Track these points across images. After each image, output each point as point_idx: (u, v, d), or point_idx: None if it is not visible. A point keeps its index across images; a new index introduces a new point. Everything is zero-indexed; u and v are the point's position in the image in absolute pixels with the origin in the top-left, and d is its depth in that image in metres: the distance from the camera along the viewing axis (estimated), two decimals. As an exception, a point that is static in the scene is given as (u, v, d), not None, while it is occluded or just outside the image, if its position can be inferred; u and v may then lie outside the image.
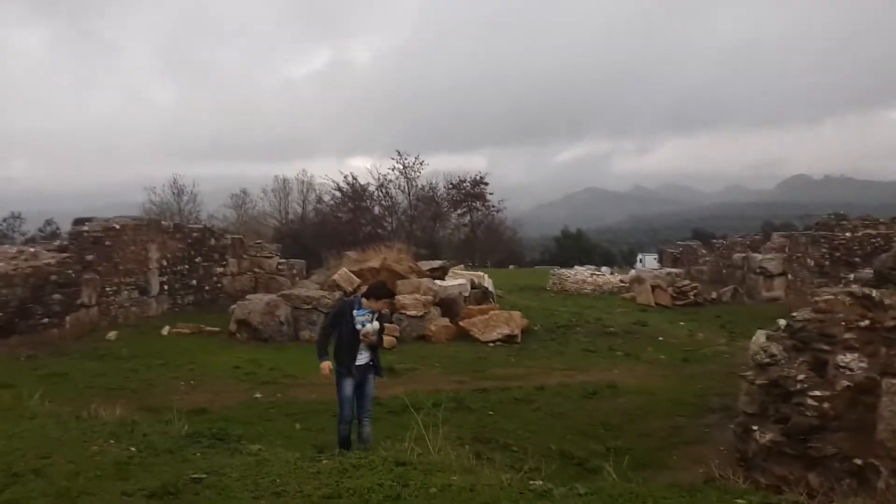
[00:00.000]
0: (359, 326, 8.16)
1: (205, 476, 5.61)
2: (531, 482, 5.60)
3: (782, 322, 9.27)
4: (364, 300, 8.61)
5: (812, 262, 23.67)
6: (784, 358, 8.72)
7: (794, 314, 9.16)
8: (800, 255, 24.84)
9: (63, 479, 5.55)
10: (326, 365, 8.48)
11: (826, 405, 8.02)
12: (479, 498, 5.11)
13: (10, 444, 6.52)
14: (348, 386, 8.27)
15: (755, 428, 8.63)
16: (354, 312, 8.36)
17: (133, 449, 6.43)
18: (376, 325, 8.26)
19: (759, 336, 9.70)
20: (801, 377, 8.33)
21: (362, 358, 8.26)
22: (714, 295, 28.00)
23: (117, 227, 20.54)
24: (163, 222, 24.62)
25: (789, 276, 25.86)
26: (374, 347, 8.36)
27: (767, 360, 8.80)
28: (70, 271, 18.53)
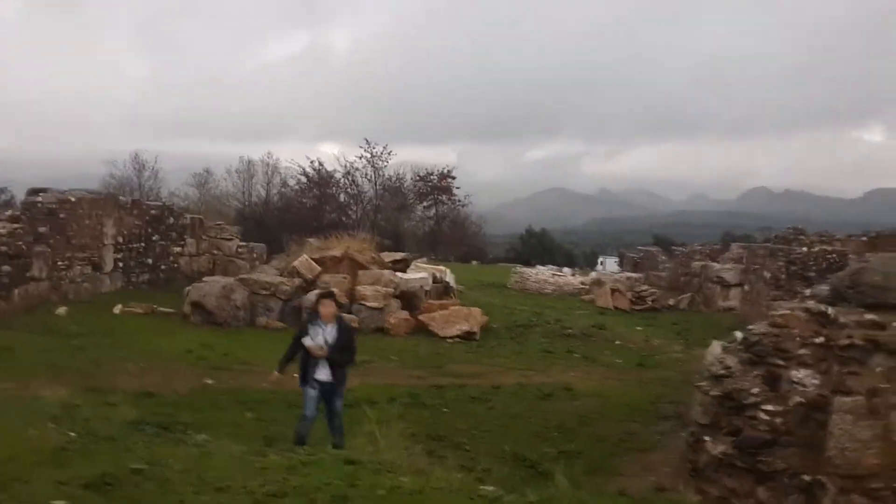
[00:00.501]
0: (307, 341, 7.96)
1: (146, 467, 5.42)
2: (482, 487, 5.52)
3: (739, 334, 9.33)
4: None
5: (768, 275, 24.03)
6: (739, 370, 8.76)
7: (751, 327, 9.22)
8: (757, 266, 25.20)
9: (-4, 464, 5.31)
10: (274, 376, 8.59)
11: (778, 420, 8.08)
12: (429, 502, 5.01)
13: (-59, 423, 6.25)
14: (309, 390, 8.14)
15: (707, 439, 8.66)
16: (308, 326, 8.13)
17: (73, 434, 6.21)
18: (320, 340, 7.88)
19: (716, 347, 9.78)
20: (754, 390, 8.38)
21: (322, 373, 8.00)
22: (672, 301, 28.31)
23: (73, 199, 19.95)
24: (121, 198, 24.04)
25: (746, 286, 26.23)
26: (332, 364, 7.97)
27: (722, 371, 8.84)
28: (21, 243, 17.93)
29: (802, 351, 8.32)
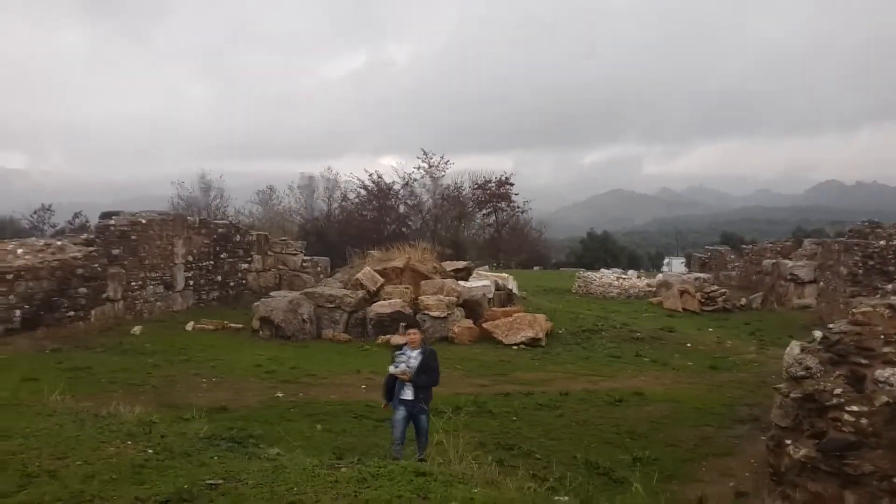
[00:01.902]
0: (391, 368, 8.83)
1: (221, 482, 5.48)
2: (556, 497, 5.40)
3: (818, 334, 8.95)
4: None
5: (845, 271, 23.11)
6: (820, 371, 8.40)
7: (831, 326, 8.84)
8: (832, 262, 24.27)
9: (77, 481, 5.45)
10: (385, 405, 9.29)
11: (864, 421, 7.70)
12: (502, 513, 4.91)
13: (26, 442, 6.45)
14: (397, 413, 8.81)
15: (788, 442, 8.32)
16: (396, 354, 9.05)
17: (150, 451, 6.33)
18: (402, 366, 8.71)
19: (794, 347, 9.39)
20: (837, 391, 8.01)
21: (407, 394, 8.73)
22: (743, 301, 27.49)
23: (143, 221, 20.61)
24: (188, 217, 24.70)
25: (821, 283, 25.30)
26: (415, 385, 8.69)
27: (802, 372, 8.49)
28: (96, 265, 18.61)
29: (887, 349, 7.92)
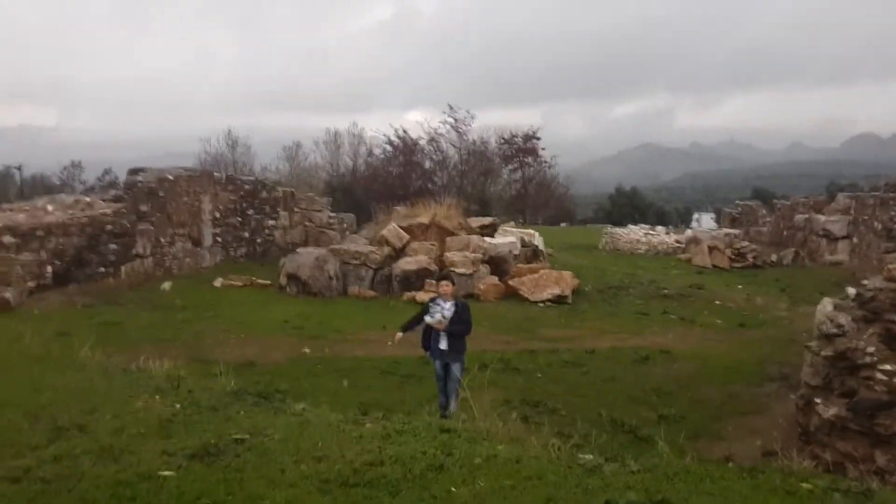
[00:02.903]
0: (427, 318, 8.95)
1: (247, 437, 5.51)
2: (580, 456, 5.36)
3: (851, 291, 8.78)
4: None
5: (880, 226, 22.59)
6: (852, 329, 8.25)
7: (865, 282, 8.65)
8: (866, 217, 23.73)
9: (107, 435, 5.52)
10: (398, 335, 9.45)
11: (897, 380, 7.57)
12: (525, 471, 4.89)
13: (56, 396, 6.55)
14: (437, 365, 9.11)
15: (818, 401, 8.22)
16: (429, 305, 9.13)
17: (178, 406, 6.39)
18: (437, 316, 8.86)
19: (826, 304, 9.22)
20: (870, 350, 7.86)
21: (442, 343, 8.92)
22: (774, 258, 27.09)
23: (170, 177, 20.70)
24: (215, 173, 24.76)
25: (854, 239, 24.79)
26: (450, 334, 8.88)
27: (834, 330, 8.34)
28: (125, 221, 18.78)
29: (924, 306, 7.75)
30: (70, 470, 4.83)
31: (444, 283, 9.32)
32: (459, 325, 8.93)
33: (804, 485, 4.72)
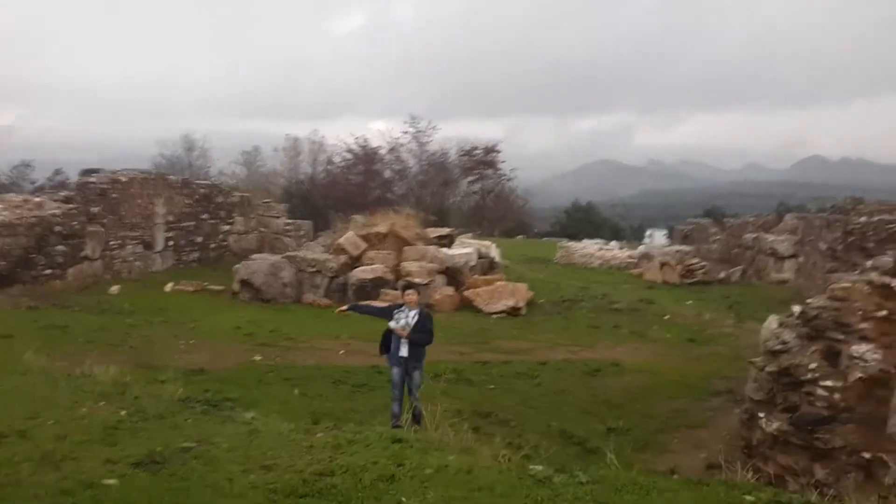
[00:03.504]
0: (391, 324, 9.05)
1: (194, 445, 5.45)
2: (531, 467, 5.41)
3: (796, 308, 9.02)
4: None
5: (825, 246, 23.25)
6: (796, 345, 8.48)
7: (809, 301, 8.90)
8: (812, 237, 24.42)
9: (49, 442, 5.40)
10: (343, 308, 10.03)
11: (837, 396, 7.80)
12: (476, 482, 4.92)
13: (-3, 401, 6.38)
14: (395, 372, 9.09)
15: (762, 415, 8.43)
16: (394, 312, 9.18)
17: (123, 412, 6.28)
18: (402, 322, 8.93)
19: (772, 321, 9.48)
20: (812, 366, 8.09)
21: (402, 351, 8.97)
22: (723, 275, 27.65)
23: (124, 179, 20.32)
24: (170, 177, 24.37)
25: (800, 258, 25.48)
26: (412, 342, 8.96)
27: (779, 346, 8.57)
28: (75, 223, 18.35)
29: (864, 325, 8.00)
30: (9, 478, 4.71)
31: (409, 291, 9.44)
32: (422, 334, 9.04)
33: (747, 497, 4.84)
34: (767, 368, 8.51)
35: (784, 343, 8.49)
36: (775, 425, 8.15)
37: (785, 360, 8.33)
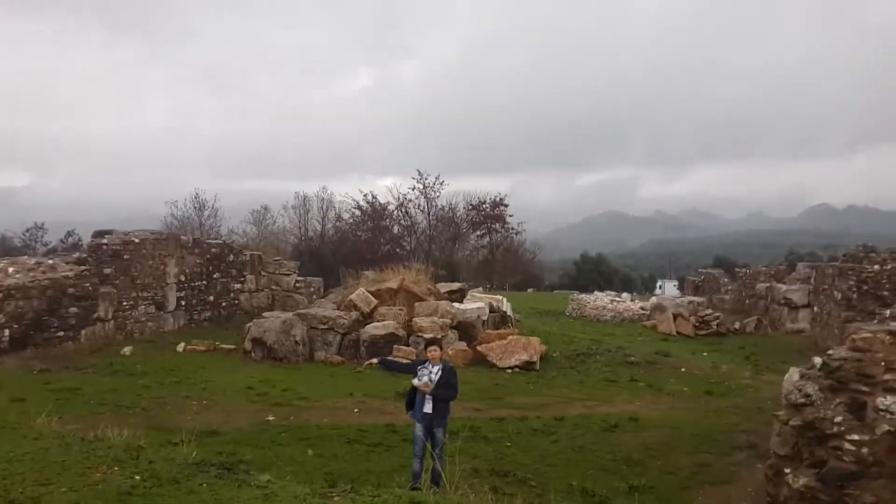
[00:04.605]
0: (414, 381, 9.06)
1: (210, 511, 5.32)
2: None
3: (818, 360, 8.86)
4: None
5: (839, 295, 23.07)
6: (819, 398, 8.30)
7: (831, 352, 8.75)
8: (826, 286, 24.25)
9: (62, 509, 5.29)
10: (370, 361, 10.47)
11: (865, 450, 7.61)
12: (500, 546, 4.77)
13: (10, 467, 6.28)
14: (417, 428, 9.02)
15: (788, 471, 8.21)
16: (418, 368, 9.19)
17: (137, 478, 6.16)
18: (424, 378, 8.93)
19: (793, 374, 9.29)
20: (837, 419, 7.91)
21: (427, 407, 8.94)
22: (737, 325, 27.43)
23: (136, 240, 20.46)
24: (182, 237, 24.55)
25: (815, 308, 25.26)
26: (435, 398, 8.90)
27: (802, 399, 8.39)
28: (87, 284, 18.44)
29: (888, 376, 7.85)
30: (22, 547, 4.60)
31: (432, 347, 9.45)
32: (446, 390, 8.98)
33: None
34: (791, 422, 8.32)
35: (807, 396, 8.32)
36: (802, 481, 7.94)
37: (809, 414, 8.15)
